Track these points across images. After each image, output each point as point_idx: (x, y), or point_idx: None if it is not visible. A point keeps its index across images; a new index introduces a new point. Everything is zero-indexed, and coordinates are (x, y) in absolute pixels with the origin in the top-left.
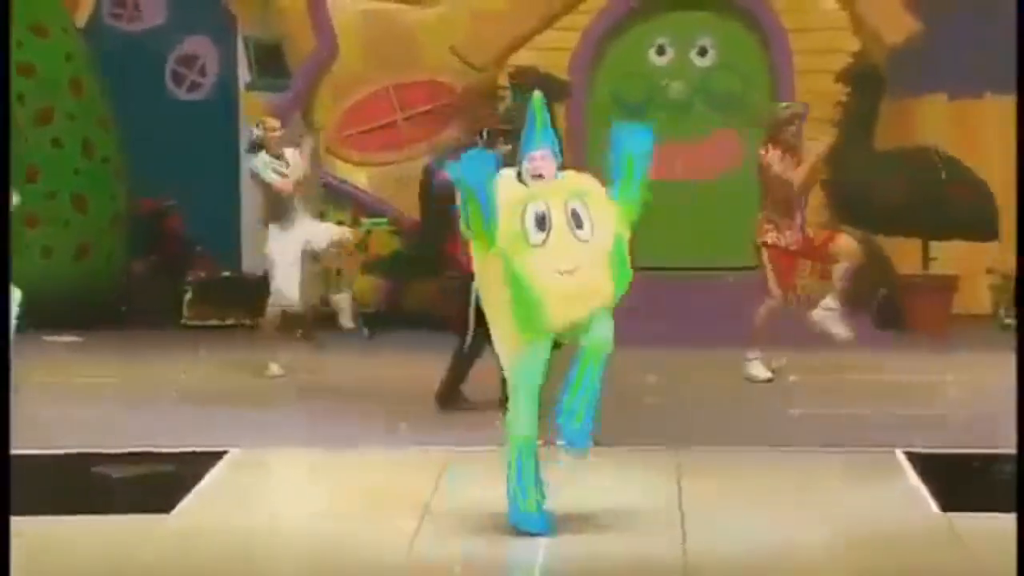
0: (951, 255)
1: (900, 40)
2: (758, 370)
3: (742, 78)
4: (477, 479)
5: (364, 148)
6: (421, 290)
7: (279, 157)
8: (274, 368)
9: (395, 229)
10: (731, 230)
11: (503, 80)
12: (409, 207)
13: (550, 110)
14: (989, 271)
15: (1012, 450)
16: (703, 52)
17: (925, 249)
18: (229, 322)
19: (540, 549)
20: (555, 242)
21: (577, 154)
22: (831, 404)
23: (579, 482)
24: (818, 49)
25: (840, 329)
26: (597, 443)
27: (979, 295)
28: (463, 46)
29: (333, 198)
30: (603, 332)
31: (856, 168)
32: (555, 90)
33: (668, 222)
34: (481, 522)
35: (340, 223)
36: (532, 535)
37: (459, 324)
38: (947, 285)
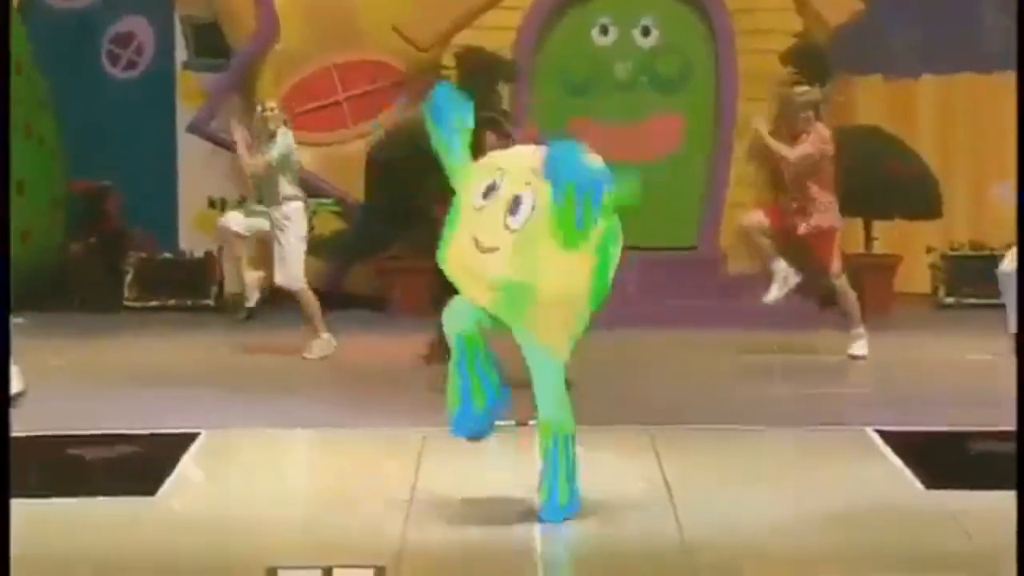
0: (887, 234)
1: (843, 20)
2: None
3: (685, 58)
4: (457, 459)
5: (307, 128)
6: (364, 271)
7: (272, 137)
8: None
9: (341, 210)
10: (672, 210)
11: (447, 60)
12: (354, 187)
13: (492, 90)
14: (928, 250)
15: (985, 427)
16: (646, 32)
17: (867, 229)
18: (171, 303)
19: (536, 534)
20: (488, 216)
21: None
22: (782, 383)
23: None
24: (761, 29)
25: (862, 350)
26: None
27: (917, 274)
28: (407, 25)
29: None
30: (547, 410)
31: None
32: (502, 70)
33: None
34: (470, 503)
35: None
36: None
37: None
38: (889, 265)
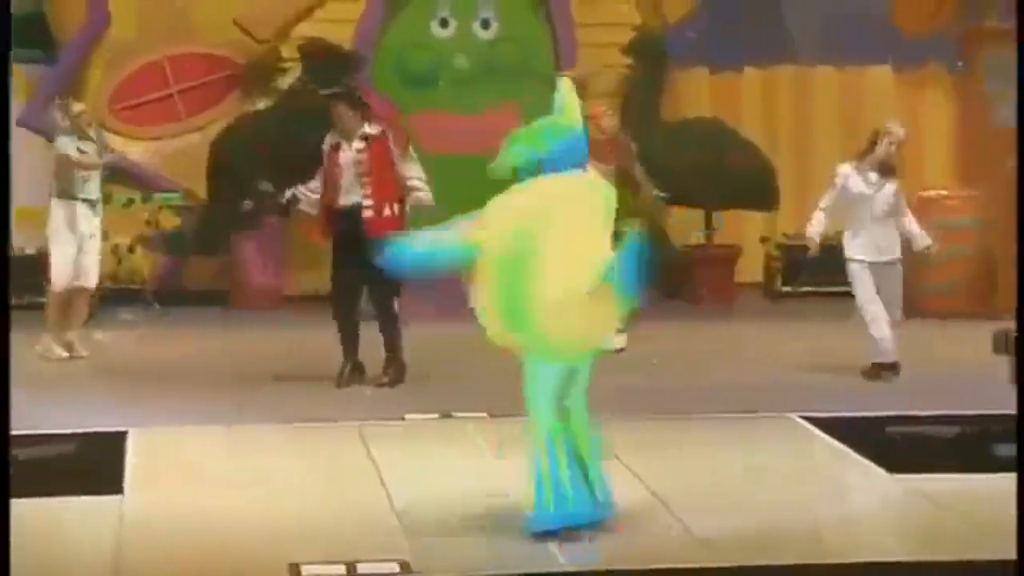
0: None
1: (681, 14)
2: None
3: (525, 50)
4: (404, 447)
5: (138, 122)
6: (203, 266)
7: (83, 138)
8: (57, 350)
9: (187, 204)
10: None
11: (286, 52)
12: (188, 181)
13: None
14: (763, 240)
15: (903, 412)
16: (486, 24)
17: (708, 219)
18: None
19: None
20: None
21: None
22: (643, 374)
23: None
24: (602, 22)
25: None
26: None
27: (751, 264)
28: (245, 18)
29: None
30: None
31: (642, 139)
32: (344, 62)
33: (451, 195)
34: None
35: (131, 201)
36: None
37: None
38: (730, 256)
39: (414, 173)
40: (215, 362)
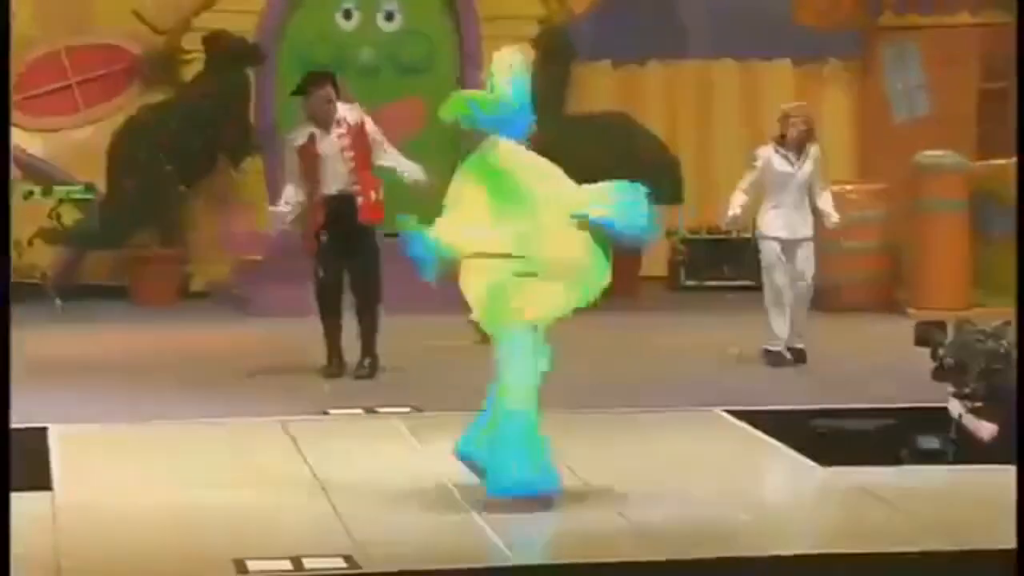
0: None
1: (585, 7)
2: None
3: (429, 43)
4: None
5: (35, 113)
6: (101, 260)
7: None
8: None
9: (89, 197)
10: (415, 195)
11: (188, 43)
12: (85, 173)
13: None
14: (668, 234)
15: (829, 405)
16: (390, 17)
17: None
18: None
19: (487, 524)
20: None
21: (266, 119)
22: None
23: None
24: (505, 15)
25: None
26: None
27: (655, 258)
28: (146, 8)
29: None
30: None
31: (546, 133)
32: (248, 54)
33: None
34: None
35: (30, 193)
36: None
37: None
38: (635, 249)
39: (398, 162)
40: (123, 358)
